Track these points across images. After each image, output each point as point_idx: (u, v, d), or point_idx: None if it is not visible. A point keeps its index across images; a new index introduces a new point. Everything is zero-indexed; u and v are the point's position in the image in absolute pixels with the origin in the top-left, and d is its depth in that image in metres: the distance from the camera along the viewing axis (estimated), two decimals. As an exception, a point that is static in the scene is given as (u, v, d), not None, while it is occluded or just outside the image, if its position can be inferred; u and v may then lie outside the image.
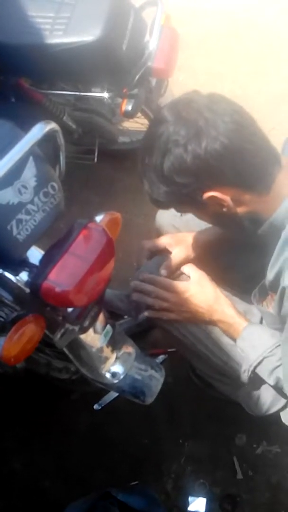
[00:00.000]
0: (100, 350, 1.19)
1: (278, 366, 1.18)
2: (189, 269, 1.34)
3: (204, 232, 1.42)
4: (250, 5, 2.83)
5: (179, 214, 1.50)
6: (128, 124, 2.39)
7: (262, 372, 1.22)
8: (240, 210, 1.06)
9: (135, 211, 2.20)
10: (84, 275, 0.94)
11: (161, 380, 1.28)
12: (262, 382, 1.27)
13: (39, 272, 0.96)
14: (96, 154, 2.11)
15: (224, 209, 1.05)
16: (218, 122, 0.97)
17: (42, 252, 1.05)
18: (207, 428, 1.61)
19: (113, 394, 1.65)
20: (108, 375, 1.23)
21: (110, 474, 1.53)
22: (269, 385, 1.26)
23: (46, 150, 1.01)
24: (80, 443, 1.59)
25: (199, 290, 1.28)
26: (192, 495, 1.48)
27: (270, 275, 1.14)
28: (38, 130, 0.89)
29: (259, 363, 1.21)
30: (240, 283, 1.44)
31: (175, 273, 1.37)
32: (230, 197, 1.02)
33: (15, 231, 0.90)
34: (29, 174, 0.92)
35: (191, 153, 0.97)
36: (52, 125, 0.91)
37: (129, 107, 1.69)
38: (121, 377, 1.24)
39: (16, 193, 0.90)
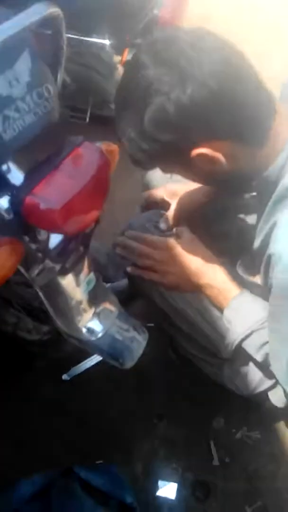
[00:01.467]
0: (80, 299, 1.05)
1: (268, 341, 1.06)
2: (182, 229, 1.21)
3: (198, 190, 1.29)
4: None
5: (168, 176, 1.39)
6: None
7: (250, 346, 1.10)
8: (233, 167, 0.92)
9: (120, 180, 2.06)
10: (74, 196, 0.81)
11: (144, 343, 1.15)
12: (249, 358, 1.15)
13: (23, 186, 0.82)
14: (88, 113, 1.98)
15: (216, 167, 0.91)
16: (204, 61, 0.81)
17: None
18: (183, 409, 1.48)
19: (84, 365, 1.51)
20: (85, 330, 1.09)
21: (73, 450, 1.38)
22: (256, 362, 1.14)
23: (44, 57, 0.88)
24: (42, 413, 1.43)
25: (189, 248, 1.16)
26: (163, 480, 1.35)
27: (257, 241, 1.02)
28: (37, 11, 0.74)
29: (246, 336, 1.09)
30: (232, 254, 1.33)
31: (172, 229, 1.25)
32: (222, 153, 0.88)
33: (0, 128, 0.75)
34: (23, 66, 0.78)
35: (175, 102, 0.82)
36: (55, 9, 0.76)
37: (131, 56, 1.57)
38: (100, 334, 1.10)
39: (5, 84, 0.76)
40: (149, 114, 0.85)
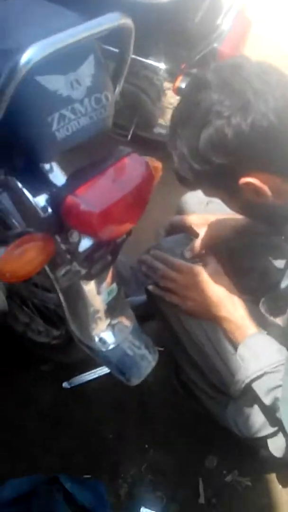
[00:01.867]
0: (99, 307, 1.05)
1: (279, 386, 1.04)
2: (209, 258, 1.21)
3: (230, 222, 1.29)
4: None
5: (205, 202, 1.39)
6: (170, 117, 2.31)
7: (260, 388, 1.08)
8: (276, 202, 0.92)
9: (156, 200, 2.07)
10: (115, 203, 0.82)
11: (153, 364, 1.14)
12: (255, 399, 1.13)
13: (65, 186, 0.83)
14: (131, 132, 2.01)
15: (260, 199, 0.92)
16: (269, 96, 0.84)
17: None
18: (178, 441, 1.44)
19: (87, 376, 1.49)
20: (97, 340, 1.08)
21: (63, 460, 1.35)
22: (261, 406, 1.12)
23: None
24: (38, 419, 1.42)
25: (214, 278, 1.15)
26: (146, 507, 1.31)
27: (284, 281, 1.01)
28: (109, 19, 0.77)
29: (258, 377, 1.07)
30: (254, 292, 1.32)
31: (199, 256, 1.25)
32: (268, 186, 0.89)
33: (55, 126, 0.77)
34: (86, 71, 0.81)
35: (235, 128, 0.84)
36: (126, 20, 0.79)
37: (184, 85, 1.61)
38: (111, 346, 1.10)
39: (67, 85, 0.78)
40: (206, 135, 0.86)
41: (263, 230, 1.16)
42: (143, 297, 1.50)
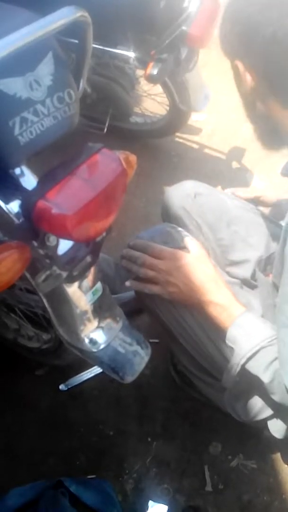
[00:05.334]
0: (85, 309, 1.03)
1: (276, 358, 1.00)
2: (192, 242, 1.17)
3: None
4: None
5: (192, 195, 1.37)
6: (145, 105, 2.28)
7: (257, 366, 1.03)
8: (260, 106, 0.95)
9: (137, 193, 2.06)
10: (88, 203, 0.80)
11: (146, 359, 1.13)
12: (250, 384, 1.12)
13: (35, 190, 0.81)
14: (106, 124, 1.98)
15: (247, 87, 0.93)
16: None
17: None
18: (180, 430, 1.44)
19: (83, 376, 1.48)
20: (87, 341, 1.07)
21: (65, 463, 1.35)
22: (259, 388, 1.10)
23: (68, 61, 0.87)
24: (37, 424, 1.41)
25: (196, 262, 1.11)
26: (153, 500, 1.31)
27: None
28: (64, 14, 0.74)
29: (253, 354, 1.01)
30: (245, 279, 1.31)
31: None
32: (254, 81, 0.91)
33: (17, 130, 0.75)
34: (45, 70, 0.78)
35: None
36: (83, 14, 0.76)
37: (155, 71, 1.57)
38: (102, 346, 1.08)
39: (26, 87, 0.75)
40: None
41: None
42: (130, 293, 1.49)
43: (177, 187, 1.40)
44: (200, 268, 1.10)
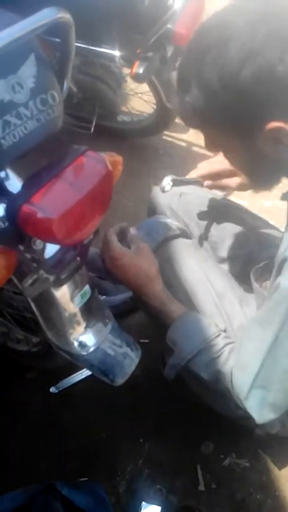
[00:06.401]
0: (73, 312, 1.02)
1: (217, 357, 1.02)
2: (133, 236, 1.15)
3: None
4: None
5: (178, 194, 1.36)
6: (133, 103, 2.27)
7: (197, 365, 1.06)
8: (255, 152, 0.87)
9: (126, 193, 2.06)
10: (74, 206, 0.79)
11: (136, 360, 1.12)
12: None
13: (20, 194, 0.79)
14: (93, 124, 1.96)
15: (279, 150, 0.84)
16: None
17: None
18: (172, 430, 1.44)
19: (74, 378, 1.47)
20: (76, 344, 1.06)
21: (57, 466, 1.34)
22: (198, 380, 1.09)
23: (51, 63, 0.86)
24: (28, 427, 1.40)
25: (131, 263, 1.11)
26: (146, 501, 1.30)
27: (282, 247, 0.98)
28: (45, 16, 0.72)
29: (193, 357, 1.05)
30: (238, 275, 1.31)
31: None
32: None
33: (0, 134, 0.73)
34: (28, 72, 0.76)
35: (286, 64, 0.75)
36: (64, 15, 0.74)
37: (141, 70, 1.57)
38: (91, 349, 1.07)
39: (8, 89, 0.74)
40: (252, 68, 0.76)
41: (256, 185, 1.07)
42: (120, 296, 1.49)
43: (161, 192, 1.40)
44: (136, 269, 1.10)
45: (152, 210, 1.43)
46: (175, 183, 1.29)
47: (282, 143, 0.83)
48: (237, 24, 0.78)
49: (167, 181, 1.28)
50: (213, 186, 1.33)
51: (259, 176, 0.96)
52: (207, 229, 1.36)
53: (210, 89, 0.81)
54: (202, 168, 1.31)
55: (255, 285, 1.15)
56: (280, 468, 1.40)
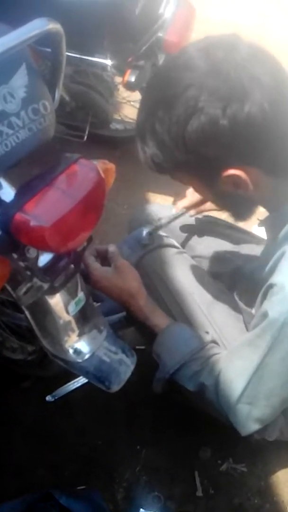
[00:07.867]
0: (68, 319, 1.03)
1: (201, 369, 1.05)
2: (112, 254, 1.15)
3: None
4: (253, 15, 2.87)
5: (156, 219, 1.37)
6: (125, 112, 2.28)
7: (181, 377, 1.08)
8: (254, 195, 0.88)
9: (119, 200, 2.06)
10: (67, 214, 0.79)
11: (132, 367, 1.12)
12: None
13: (13, 202, 0.80)
14: (86, 132, 1.97)
15: (238, 191, 0.86)
16: (263, 82, 0.75)
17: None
18: (169, 437, 1.44)
19: (70, 387, 1.47)
20: (71, 351, 1.06)
21: (55, 475, 1.34)
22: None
23: (42, 73, 0.87)
24: (25, 435, 1.39)
25: (111, 284, 1.12)
26: (144, 508, 1.30)
27: (263, 270, 0.99)
28: (36, 26, 0.73)
29: (176, 370, 1.07)
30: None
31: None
32: (250, 179, 0.84)
33: (-8, 143, 0.74)
34: (19, 82, 0.77)
35: (230, 118, 0.76)
36: (55, 25, 0.75)
37: (133, 78, 1.58)
38: (87, 356, 1.07)
39: (0, 99, 0.74)
40: (196, 124, 0.78)
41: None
42: (116, 316, 1.49)
43: (141, 211, 1.45)
44: (117, 287, 1.12)
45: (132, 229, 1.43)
46: (154, 232, 1.29)
47: (240, 187, 0.85)
48: (185, 81, 0.78)
49: (145, 233, 1.28)
50: (198, 213, 1.36)
51: (230, 209, 0.99)
52: (192, 249, 1.39)
53: (163, 145, 0.84)
54: (191, 196, 1.31)
55: (240, 304, 1.17)
56: (277, 473, 1.41)
